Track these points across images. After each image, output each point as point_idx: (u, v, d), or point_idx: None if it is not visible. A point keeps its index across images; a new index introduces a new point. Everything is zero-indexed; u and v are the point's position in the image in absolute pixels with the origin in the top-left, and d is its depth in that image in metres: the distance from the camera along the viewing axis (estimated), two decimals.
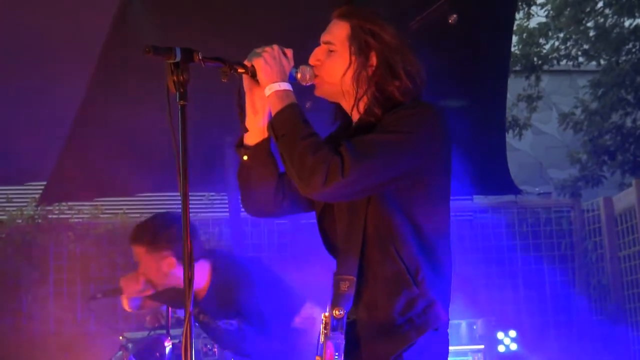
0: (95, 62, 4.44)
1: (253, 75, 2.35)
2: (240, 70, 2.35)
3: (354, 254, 2.24)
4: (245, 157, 2.46)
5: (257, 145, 2.43)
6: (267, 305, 3.85)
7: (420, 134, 2.22)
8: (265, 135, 2.42)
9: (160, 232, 3.79)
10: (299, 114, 2.25)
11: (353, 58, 2.34)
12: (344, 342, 2.18)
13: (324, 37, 2.42)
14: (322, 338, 2.22)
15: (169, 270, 3.83)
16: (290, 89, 2.32)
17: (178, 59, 2.15)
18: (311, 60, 2.42)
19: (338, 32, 2.39)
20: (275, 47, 2.35)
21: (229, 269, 3.90)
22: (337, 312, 2.19)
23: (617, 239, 7.57)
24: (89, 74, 4.54)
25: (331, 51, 2.38)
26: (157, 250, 3.79)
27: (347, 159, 2.11)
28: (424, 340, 2.18)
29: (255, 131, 2.43)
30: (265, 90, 2.31)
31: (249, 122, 2.44)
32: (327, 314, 2.21)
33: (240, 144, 2.49)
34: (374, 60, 2.33)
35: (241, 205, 2.62)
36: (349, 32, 2.36)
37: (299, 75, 2.39)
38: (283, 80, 2.31)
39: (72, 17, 4.23)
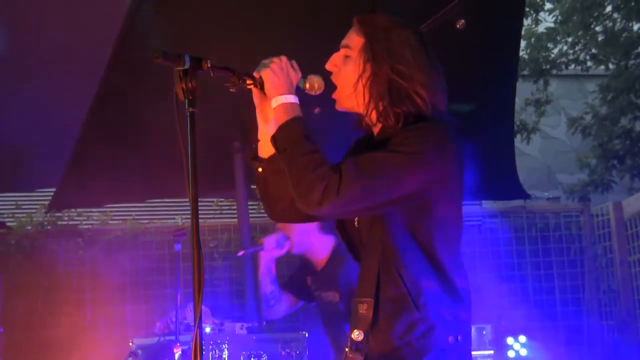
0: (104, 69, 4.45)
1: (261, 87, 2.34)
2: (248, 82, 2.34)
3: (373, 277, 2.22)
4: (260, 170, 2.46)
5: (271, 157, 2.42)
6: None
7: (426, 157, 2.17)
8: None
9: None
10: (302, 129, 2.23)
11: (367, 66, 2.31)
12: None
13: (343, 41, 2.41)
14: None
15: (308, 235, 4.23)
16: (296, 101, 2.31)
17: (187, 66, 2.15)
18: (328, 66, 2.41)
19: (356, 39, 2.37)
20: (284, 58, 2.35)
21: (341, 244, 4.11)
22: (355, 334, 2.21)
23: (627, 244, 7.54)
24: (98, 81, 4.56)
25: (347, 57, 2.37)
26: None
27: (344, 178, 2.08)
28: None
29: (268, 142, 2.40)
30: (272, 103, 2.30)
31: (261, 133, 2.44)
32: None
33: (255, 157, 2.49)
34: (387, 72, 2.28)
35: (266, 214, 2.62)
36: (365, 40, 2.34)
37: (307, 86, 2.39)
38: (290, 92, 2.30)
39: (81, 26, 4.25)
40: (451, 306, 2.23)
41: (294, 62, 2.38)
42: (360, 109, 2.36)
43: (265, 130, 2.42)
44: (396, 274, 2.18)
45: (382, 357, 2.19)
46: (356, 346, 2.20)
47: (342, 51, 2.39)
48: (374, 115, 2.32)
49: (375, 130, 2.36)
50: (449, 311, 2.22)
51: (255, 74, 2.35)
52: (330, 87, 2.43)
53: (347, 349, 2.23)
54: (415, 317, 2.17)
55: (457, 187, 2.28)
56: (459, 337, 2.24)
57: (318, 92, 2.41)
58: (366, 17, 2.41)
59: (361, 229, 2.35)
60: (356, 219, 2.37)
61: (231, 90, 2.34)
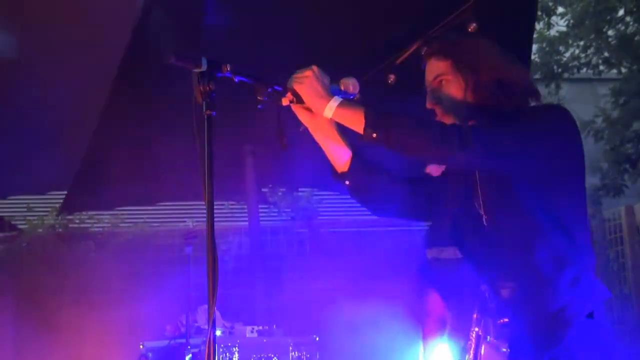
0: (115, 73, 4.46)
1: (299, 102, 2.30)
2: (289, 98, 2.30)
3: (510, 259, 2.27)
4: (347, 182, 2.47)
5: (351, 166, 2.45)
6: None
7: (547, 126, 2.26)
8: (350, 153, 2.44)
9: None
10: (381, 109, 2.25)
11: (468, 77, 2.36)
12: (508, 351, 2.25)
13: (430, 76, 2.43)
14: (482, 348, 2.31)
15: None
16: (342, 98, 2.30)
17: (204, 68, 2.13)
18: (429, 104, 2.42)
19: (442, 64, 2.41)
20: (315, 67, 2.31)
21: None
22: (500, 320, 2.27)
23: (639, 248, 7.50)
24: (111, 84, 4.57)
25: (442, 82, 2.40)
26: None
27: (477, 127, 2.19)
28: (579, 330, 2.18)
29: (340, 154, 2.44)
30: (326, 112, 2.26)
31: (328, 149, 2.45)
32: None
33: (335, 174, 2.50)
34: (488, 74, 2.35)
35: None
36: (452, 60, 2.39)
37: (342, 88, 2.36)
38: (331, 96, 2.28)
39: (93, 31, 4.26)
40: (589, 278, 2.26)
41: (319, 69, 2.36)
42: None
43: (329, 144, 2.43)
44: (541, 235, 2.22)
45: (550, 314, 2.20)
46: (500, 332, 2.28)
47: (436, 82, 2.41)
48: None
49: None
50: (588, 281, 2.25)
51: (290, 88, 2.30)
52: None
53: (488, 337, 2.30)
54: (574, 271, 2.20)
55: (580, 157, 2.33)
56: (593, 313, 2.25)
57: (354, 93, 2.37)
58: (437, 45, 2.47)
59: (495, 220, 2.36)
60: (482, 209, 2.37)
61: (259, 98, 2.28)
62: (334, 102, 2.25)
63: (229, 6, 4.19)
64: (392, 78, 4.71)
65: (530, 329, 2.23)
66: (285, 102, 2.30)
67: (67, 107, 5.12)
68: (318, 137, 2.43)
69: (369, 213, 2.67)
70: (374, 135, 2.20)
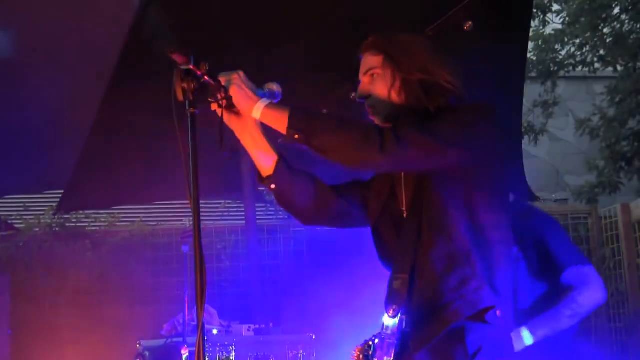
0: (111, 72, 4.46)
1: (229, 105, 2.29)
2: (214, 106, 2.29)
3: (408, 252, 2.28)
4: (273, 186, 2.47)
5: (276, 169, 2.44)
6: None
7: (474, 123, 2.26)
8: (276, 157, 2.44)
9: None
10: (308, 110, 2.27)
11: (396, 76, 2.38)
12: (395, 341, 2.27)
13: (362, 69, 2.46)
14: (376, 339, 2.31)
15: None
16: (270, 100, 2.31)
17: (191, 65, 2.13)
18: (359, 96, 2.44)
19: (375, 59, 2.43)
20: (241, 73, 2.32)
21: None
22: (391, 311, 2.27)
23: (635, 246, 7.52)
24: (106, 83, 4.57)
25: (373, 76, 2.43)
26: None
27: (400, 128, 2.16)
28: (463, 333, 2.19)
29: (265, 157, 2.44)
30: (254, 113, 2.28)
31: (254, 152, 2.44)
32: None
33: (261, 179, 2.50)
34: (416, 74, 2.36)
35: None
36: (384, 56, 2.41)
37: (266, 91, 2.35)
38: (259, 98, 2.29)
39: (89, 32, 4.26)
40: (499, 277, 2.25)
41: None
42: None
43: (256, 146, 2.43)
44: (446, 236, 2.23)
45: (435, 314, 2.22)
46: (391, 323, 2.27)
47: (367, 76, 2.44)
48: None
49: None
50: (498, 281, 2.24)
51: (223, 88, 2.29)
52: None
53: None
54: (468, 274, 2.20)
55: (501, 160, 2.34)
56: (498, 312, 2.24)
57: (279, 94, 2.36)
58: (372, 39, 2.48)
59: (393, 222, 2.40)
60: (404, 206, 2.38)
61: (209, 100, 2.27)
62: (262, 103, 2.27)
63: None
64: None
65: (413, 322, 2.27)
66: (214, 106, 2.29)
67: (63, 106, 5.13)
68: (245, 141, 2.42)
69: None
70: (296, 136, 2.21)
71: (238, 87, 2.27)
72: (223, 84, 2.27)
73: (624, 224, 7.58)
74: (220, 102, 2.27)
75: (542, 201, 8.20)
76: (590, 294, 3.34)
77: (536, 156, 10.46)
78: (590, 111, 9.79)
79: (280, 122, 2.25)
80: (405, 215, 2.36)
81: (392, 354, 2.29)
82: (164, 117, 4.62)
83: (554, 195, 9.95)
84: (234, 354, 4.79)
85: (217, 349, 4.73)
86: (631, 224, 7.56)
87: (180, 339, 4.82)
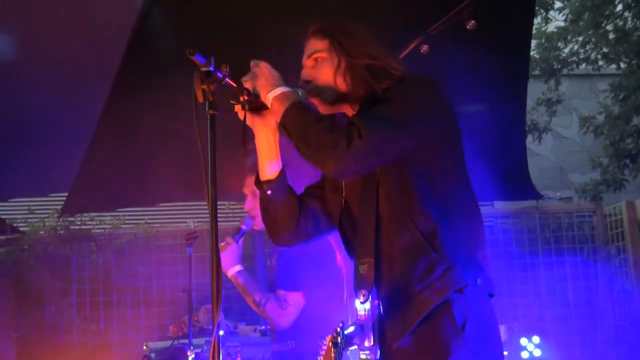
0: (115, 73, 4.46)
1: (252, 105, 2.34)
2: (238, 108, 2.34)
3: (369, 237, 2.28)
4: (269, 192, 2.48)
5: (278, 177, 2.46)
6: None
7: (425, 100, 2.29)
8: (281, 167, 2.46)
9: None
10: (304, 107, 2.28)
11: (342, 59, 2.40)
12: (369, 325, 2.26)
13: (307, 52, 2.48)
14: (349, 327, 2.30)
15: None
16: (289, 90, 2.32)
17: (211, 67, 2.13)
18: (303, 79, 2.45)
19: (320, 42, 2.46)
20: (264, 63, 2.36)
21: None
22: (361, 296, 2.25)
23: None
24: (109, 86, 4.57)
25: (317, 60, 2.45)
26: None
27: (362, 127, 2.13)
28: (449, 306, 2.18)
29: (272, 164, 2.46)
30: (269, 95, 2.30)
31: (264, 155, 2.46)
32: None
33: (259, 181, 2.51)
34: (362, 58, 2.39)
35: (269, 239, 2.64)
36: (330, 40, 2.44)
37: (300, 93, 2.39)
38: (280, 85, 2.31)
39: (93, 31, 4.26)
40: (467, 246, 2.27)
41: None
42: (343, 103, 2.43)
43: (267, 152, 2.45)
44: (409, 220, 2.23)
45: (404, 305, 2.22)
46: (362, 308, 2.26)
47: (311, 60, 2.46)
48: (356, 102, 2.41)
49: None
50: (465, 250, 2.26)
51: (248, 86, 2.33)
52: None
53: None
54: (433, 259, 2.20)
55: (455, 123, 2.37)
56: (477, 280, 2.25)
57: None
58: (320, 24, 2.51)
59: (353, 214, 2.42)
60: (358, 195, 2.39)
61: (232, 102, 2.32)
62: (278, 90, 2.28)
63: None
64: None
65: (387, 308, 2.27)
66: (237, 108, 2.33)
67: (67, 108, 5.13)
68: (260, 142, 2.44)
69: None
70: (283, 130, 2.26)
71: (258, 75, 2.31)
72: (245, 86, 2.30)
73: (629, 221, 7.57)
74: (244, 104, 2.31)
75: (547, 199, 8.19)
76: None
77: (540, 154, 10.45)
78: (594, 109, 9.78)
79: (278, 115, 2.28)
80: (359, 201, 2.37)
81: (372, 339, 2.27)
82: (168, 117, 4.63)
83: (558, 194, 9.95)
84: (240, 355, 4.79)
85: (224, 350, 4.72)
86: (636, 221, 7.55)
87: (186, 341, 4.81)
